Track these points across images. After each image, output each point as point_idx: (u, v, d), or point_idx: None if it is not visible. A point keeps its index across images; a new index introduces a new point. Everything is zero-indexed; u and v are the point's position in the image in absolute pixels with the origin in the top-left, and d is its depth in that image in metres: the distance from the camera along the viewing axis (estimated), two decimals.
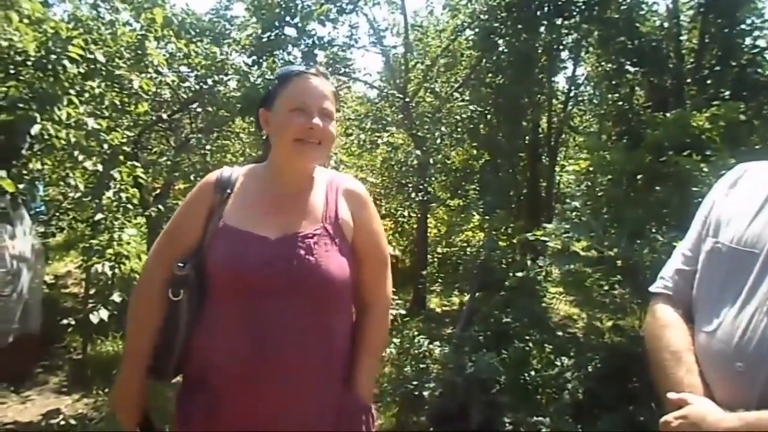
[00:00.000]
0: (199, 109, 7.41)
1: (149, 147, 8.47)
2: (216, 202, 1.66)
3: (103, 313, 4.61)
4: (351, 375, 1.65)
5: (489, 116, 8.86)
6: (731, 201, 1.47)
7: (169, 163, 7.55)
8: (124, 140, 6.39)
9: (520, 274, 4.23)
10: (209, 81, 6.90)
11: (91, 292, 5.23)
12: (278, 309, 1.53)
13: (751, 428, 1.18)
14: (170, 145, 8.24)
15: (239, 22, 9.44)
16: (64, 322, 5.08)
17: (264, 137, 1.78)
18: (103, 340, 5.98)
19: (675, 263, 1.57)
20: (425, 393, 4.59)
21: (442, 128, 8.45)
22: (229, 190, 1.68)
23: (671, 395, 1.31)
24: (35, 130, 3.83)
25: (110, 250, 4.81)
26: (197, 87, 7.30)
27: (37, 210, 7.26)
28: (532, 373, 4.71)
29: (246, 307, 1.55)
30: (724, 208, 1.47)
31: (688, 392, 1.31)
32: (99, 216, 4.75)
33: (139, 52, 5.29)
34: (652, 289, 1.60)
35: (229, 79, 7.36)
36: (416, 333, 5.33)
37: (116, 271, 4.75)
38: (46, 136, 4.10)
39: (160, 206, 6.63)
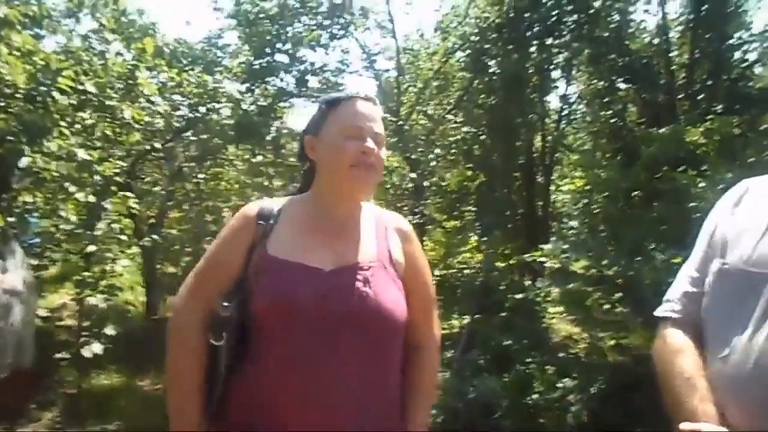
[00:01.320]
0: (192, 138, 7.37)
1: (143, 176, 8.42)
2: (259, 233, 1.55)
3: (96, 347, 4.55)
4: (407, 416, 1.56)
5: (483, 137, 8.85)
6: (736, 220, 1.42)
7: (163, 192, 7.51)
8: (118, 170, 6.37)
9: (519, 296, 4.16)
10: (201, 109, 6.90)
11: (85, 324, 5.13)
12: (333, 345, 1.43)
13: None
14: (164, 174, 8.21)
15: (231, 50, 9.49)
16: (58, 355, 4.98)
17: (305, 167, 1.70)
18: (98, 373, 5.88)
19: (682, 285, 1.51)
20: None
21: (437, 150, 8.43)
22: (272, 221, 1.58)
23: (685, 426, 1.24)
24: (24, 162, 3.79)
25: (103, 282, 4.76)
26: (190, 115, 7.30)
27: (30, 242, 7.18)
28: (535, 396, 4.63)
29: (298, 344, 1.43)
30: (729, 227, 1.41)
31: (703, 421, 1.25)
32: (91, 248, 4.70)
33: (130, 82, 5.27)
34: (659, 313, 1.54)
35: (221, 107, 7.37)
36: None
37: (109, 303, 4.68)
38: (36, 169, 4.07)
39: (155, 236, 6.58)
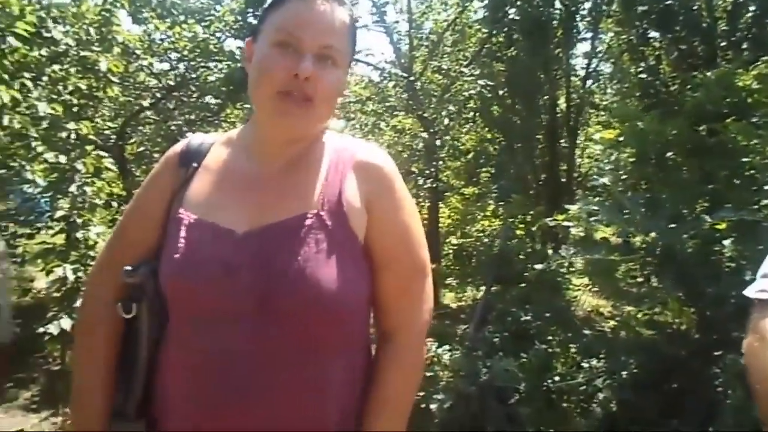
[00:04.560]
0: (184, 98, 6.86)
1: (137, 139, 7.95)
2: (179, 181, 1.20)
3: (65, 323, 4.13)
4: (363, 426, 1.15)
5: (502, 94, 8.20)
6: None
7: (156, 155, 7.03)
8: (106, 130, 5.91)
9: (539, 266, 3.60)
10: (193, 64, 6.38)
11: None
12: (241, 335, 1.06)
13: None
14: (160, 134, 7.71)
15: (234, 5, 8.90)
16: (41, 330, 4.58)
17: None
18: None
19: None
20: (433, 405, 4.00)
21: (450, 107, 7.80)
22: (195, 164, 1.20)
23: None
24: None
25: (74, 252, 4.31)
26: (183, 73, 6.79)
27: (38, 210, 6.71)
28: (557, 379, 4.09)
29: (203, 334, 1.08)
30: None
31: None
32: (59, 213, 4.24)
33: (104, 29, 4.73)
34: (754, 294, 1.01)
35: (221, 66, 6.82)
36: None
37: (80, 274, 4.22)
38: None
39: None
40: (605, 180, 3.55)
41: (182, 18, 6.72)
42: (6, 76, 3.86)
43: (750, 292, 1.04)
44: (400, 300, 1.20)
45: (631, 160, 3.58)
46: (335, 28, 1.11)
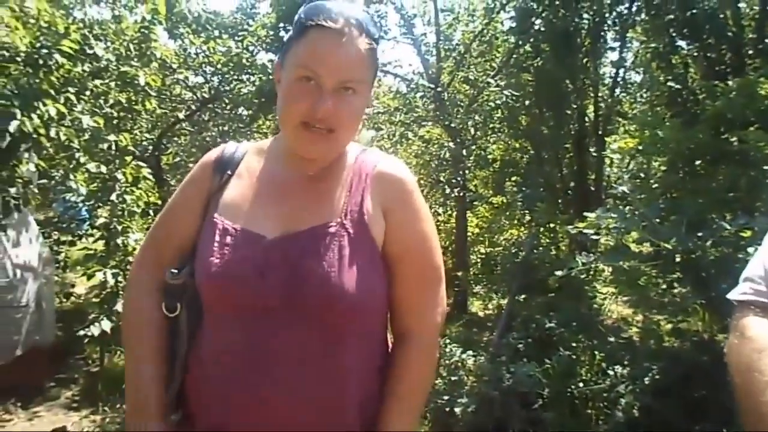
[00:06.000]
0: (218, 110, 7.09)
1: (173, 150, 8.21)
2: (214, 186, 1.29)
3: (105, 324, 4.33)
4: (379, 420, 1.21)
5: (529, 104, 8.26)
6: None
7: (191, 165, 7.28)
8: (143, 142, 6.12)
9: (559, 273, 3.66)
10: (227, 77, 6.60)
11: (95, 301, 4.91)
12: (270, 334, 1.15)
13: None
14: (195, 145, 7.97)
15: (266, 20, 9.15)
16: (81, 332, 4.80)
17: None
18: (122, 351, 5.70)
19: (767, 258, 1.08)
20: (458, 409, 4.09)
21: (477, 117, 7.88)
22: (229, 171, 1.30)
23: None
24: (13, 126, 3.49)
25: (114, 258, 4.51)
26: (217, 86, 7.02)
27: (79, 218, 6.97)
28: (580, 385, 4.14)
29: (234, 329, 1.17)
30: None
31: None
32: (101, 220, 4.46)
33: (144, 45, 4.96)
34: (736, 296, 1.10)
35: (253, 79, 7.04)
36: (448, 341, 4.83)
37: (119, 279, 4.42)
38: (32, 134, 3.79)
39: None
40: (624, 188, 3.60)
41: (216, 33, 6.96)
42: (53, 91, 4.07)
43: (733, 295, 1.12)
44: (415, 303, 1.27)
45: (663, 168, 3.61)
46: (354, 62, 1.15)
